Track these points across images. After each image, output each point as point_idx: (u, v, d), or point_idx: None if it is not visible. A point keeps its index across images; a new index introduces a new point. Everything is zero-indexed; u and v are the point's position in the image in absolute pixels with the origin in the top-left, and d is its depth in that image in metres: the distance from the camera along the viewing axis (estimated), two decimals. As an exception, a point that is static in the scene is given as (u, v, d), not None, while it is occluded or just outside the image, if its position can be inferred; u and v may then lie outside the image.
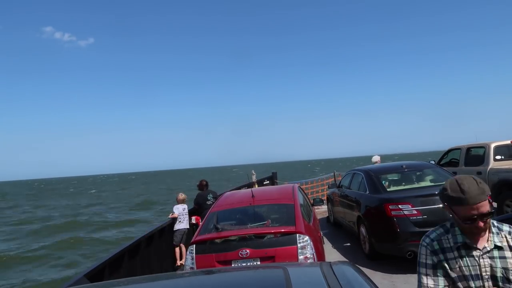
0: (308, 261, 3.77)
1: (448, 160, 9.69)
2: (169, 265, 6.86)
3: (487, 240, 1.69)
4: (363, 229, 6.23)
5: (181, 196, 7.74)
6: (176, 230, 7.21)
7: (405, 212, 5.28)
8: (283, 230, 3.99)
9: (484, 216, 1.60)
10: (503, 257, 1.66)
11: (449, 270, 1.71)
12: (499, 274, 1.65)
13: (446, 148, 10.03)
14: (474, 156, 8.64)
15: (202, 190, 7.85)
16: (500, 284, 1.65)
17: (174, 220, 7.29)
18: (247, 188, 9.07)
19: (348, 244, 7.26)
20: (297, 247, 3.82)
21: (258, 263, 3.80)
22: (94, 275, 4.00)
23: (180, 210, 7.40)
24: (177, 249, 7.13)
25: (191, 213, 7.64)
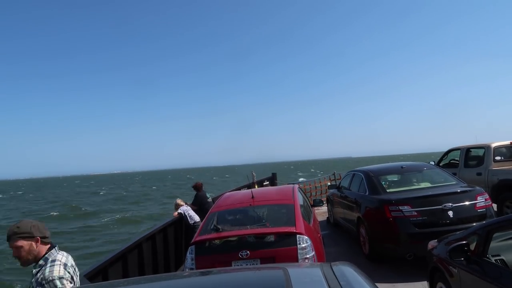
0: (308, 262, 3.76)
1: (448, 161, 9.68)
2: (169, 265, 6.86)
3: None
4: (363, 230, 6.22)
5: (181, 201, 8.02)
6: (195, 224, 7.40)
7: (405, 213, 5.27)
8: (283, 231, 3.98)
9: None
10: None
11: None
12: None
13: (445, 149, 10.04)
14: (474, 157, 8.64)
15: (200, 190, 8.12)
16: None
17: (180, 218, 7.52)
18: (247, 188, 9.08)
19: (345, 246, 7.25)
20: (297, 248, 3.81)
21: (258, 263, 3.80)
22: (94, 275, 4.00)
23: (186, 210, 7.70)
24: None
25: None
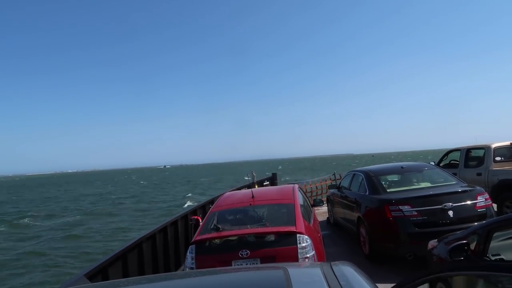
0: (308, 261, 3.77)
1: (448, 161, 9.71)
2: (170, 265, 6.85)
3: None
4: (363, 230, 6.22)
5: None
6: None
7: (405, 213, 5.28)
8: (283, 230, 3.98)
9: None
10: None
11: None
12: None
13: (444, 147, 10.07)
14: (474, 158, 8.65)
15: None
16: None
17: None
18: (247, 188, 9.08)
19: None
20: (297, 247, 3.81)
21: (258, 263, 3.80)
22: (94, 275, 4.00)
23: None
24: None
25: (192, 212, 7.61)
